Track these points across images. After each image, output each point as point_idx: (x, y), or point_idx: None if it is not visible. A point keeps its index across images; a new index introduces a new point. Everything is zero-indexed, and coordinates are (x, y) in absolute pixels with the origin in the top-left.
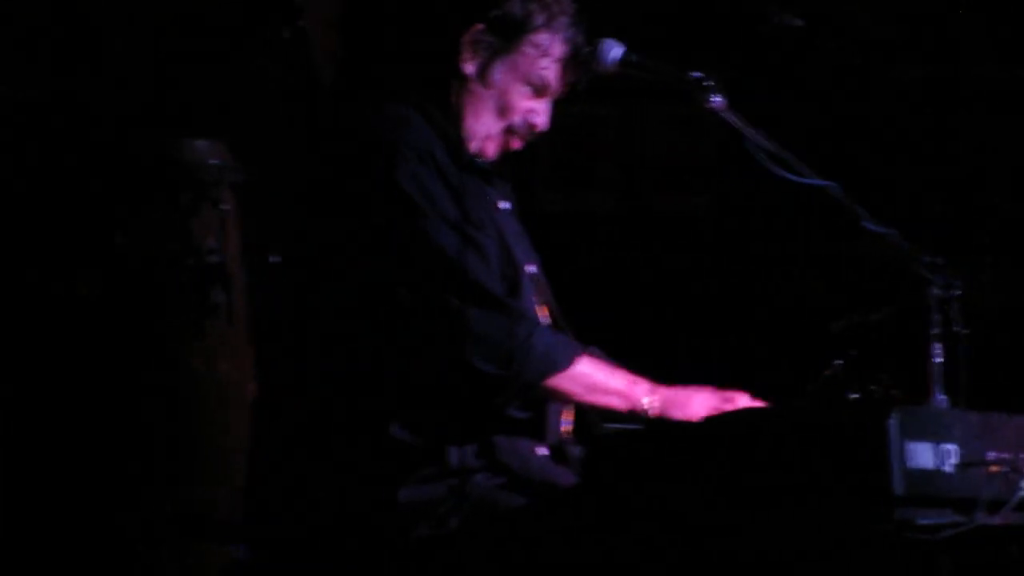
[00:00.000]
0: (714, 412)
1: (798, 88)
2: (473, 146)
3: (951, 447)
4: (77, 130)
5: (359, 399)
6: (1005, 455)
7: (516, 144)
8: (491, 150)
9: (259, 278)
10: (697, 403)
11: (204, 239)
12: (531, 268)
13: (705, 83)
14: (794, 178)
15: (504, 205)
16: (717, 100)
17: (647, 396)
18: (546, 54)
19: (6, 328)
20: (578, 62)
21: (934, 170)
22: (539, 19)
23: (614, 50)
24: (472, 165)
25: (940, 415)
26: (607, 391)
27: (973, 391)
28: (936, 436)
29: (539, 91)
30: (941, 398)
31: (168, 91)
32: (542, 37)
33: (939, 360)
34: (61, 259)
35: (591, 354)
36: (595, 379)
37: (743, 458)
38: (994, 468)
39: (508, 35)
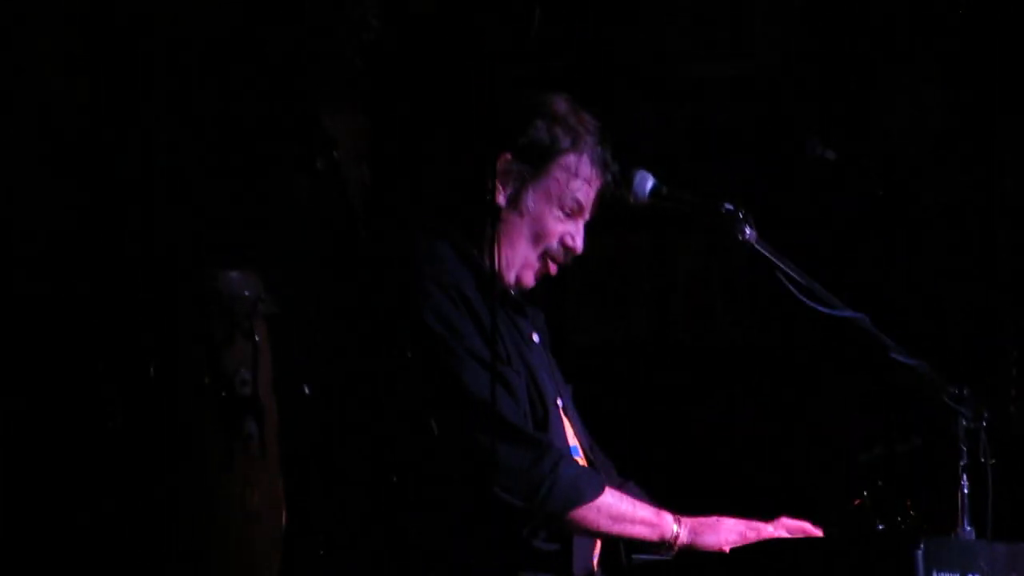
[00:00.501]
0: (742, 541)
1: (828, 219)
2: (510, 276)
3: None
4: (110, 260)
5: (388, 529)
6: None
7: (553, 269)
8: (529, 278)
9: (291, 409)
10: (725, 531)
11: (236, 370)
12: (560, 401)
13: (737, 214)
14: (824, 309)
15: (536, 338)
16: (748, 232)
17: (675, 525)
18: (576, 175)
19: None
20: (608, 180)
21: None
22: (565, 142)
23: (646, 181)
24: (505, 297)
25: (967, 546)
26: (634, 520)
27: (1000, 522)
28: (963, 567)
29: (573, 213)
30: (968, 529)
31: (201, 221)
32: (570, 159)
33: (966, 491)
34: (93, 390)
35: (626, 489)
36: (621, 509)
37: None
38: None
39: (536, 161)
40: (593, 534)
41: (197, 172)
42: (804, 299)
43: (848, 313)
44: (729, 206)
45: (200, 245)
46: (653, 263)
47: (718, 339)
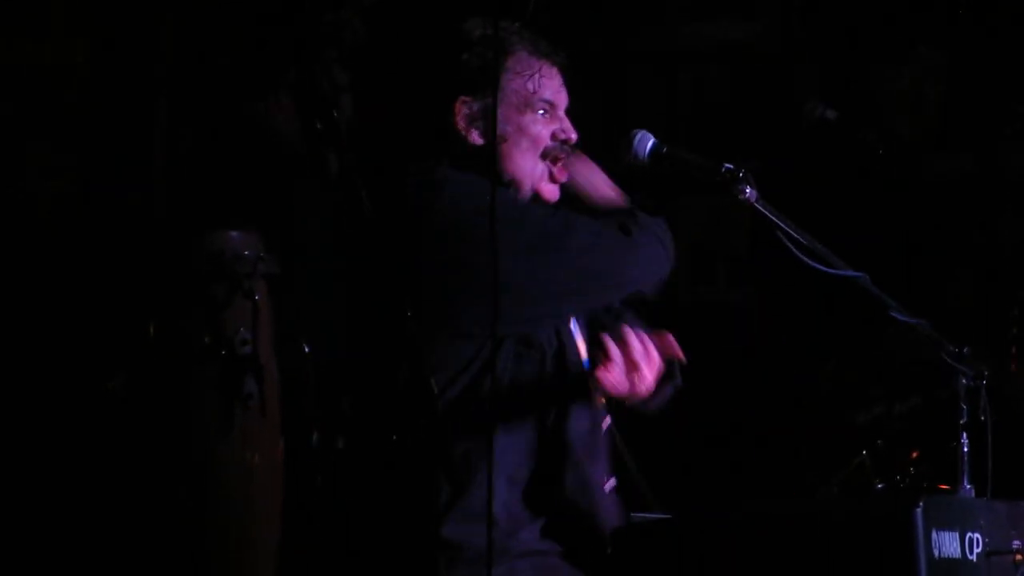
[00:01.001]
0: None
1: (830, 178)
2: (527, 195)
3: (977, 536)
4: (110, 221)
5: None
6: None
7: (562, 174)
8: (547, 190)
9: (292, 369)
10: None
11: (236, 330)
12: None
13: (738, 174)
14: (825, 269)
15: None
16: (749, 191)
17: None
18: (522, 74)
19: (34, 418)
20: (555, 57)
21: (964, 261)
22: (496, 52)
23: (646, 141)
24: None
25: (967, 504)
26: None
27: (999, 481)
28: (963, 525)
29: (547, 109)
30: (968, 487)
31: (200, 181)
32: (509, 65)
33: (966, 450)
34: (93, 351)
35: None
36: None
37: (769, 548)
38: (1020, 557)
39: (484, 87)
40: None
41: (197, 133)
42: (804, 258)
43: (848, 272)
44: (729, 165)
45: (200, 204)
46: None
47: (718, 300)
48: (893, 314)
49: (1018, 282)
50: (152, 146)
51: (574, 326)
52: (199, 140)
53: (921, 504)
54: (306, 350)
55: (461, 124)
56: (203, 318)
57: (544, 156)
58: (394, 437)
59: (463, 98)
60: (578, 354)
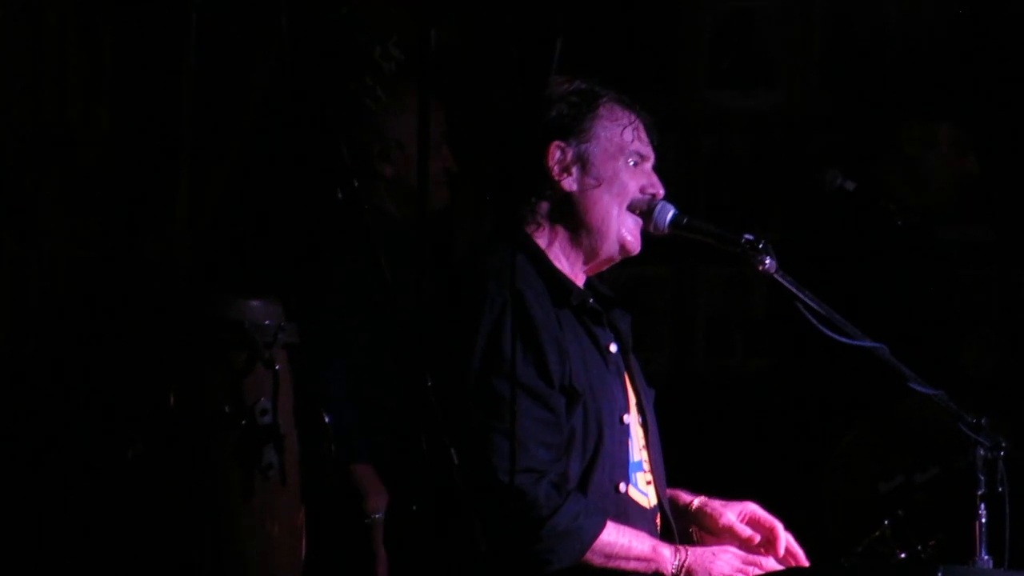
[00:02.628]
0: (739, 574)
1: (849, 250)
2: (612, 249)
3: None
4: (131, 287)
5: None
6: None
7: (645, 227)
8: (631, 242)
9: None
10: (722, 563)
11: (257, 399)
12: (628, 416)
13: (757, 245)
14: (844, 339)
15: (614, 348)
16: (769, 262)
17: (672, 559)
18: (616, 121)
19: (57, 486)
20: (641, 113)
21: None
22: (587, 103)
23: (667, 211)
24: (582, 306)
25: (984, 575)
26: (628, 557)
27: (1017, 552)
28: None
29: (637, 161)
30: (986, 558)
31: (223, 250)
32: (601, 112)
33: (984, 520)
34: (114, 419)
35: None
36: (615, 548)
37: None
38: None
39: (578, 132)
40: (588, 570)
41: (221, 201)
42: (824, 329)
43: (867, 343)
44: (749, 236)
45: (222, 273)
46: (674, 295)
47: (737, 371)
48: (911, 385)
49: None
50: (174, 213)
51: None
52: (222, 208)
53: (940, 574)
54: (326, 420)
55: (555, 169)
56: (223, 387)
57: (631, 208)
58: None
59: (558, 143)
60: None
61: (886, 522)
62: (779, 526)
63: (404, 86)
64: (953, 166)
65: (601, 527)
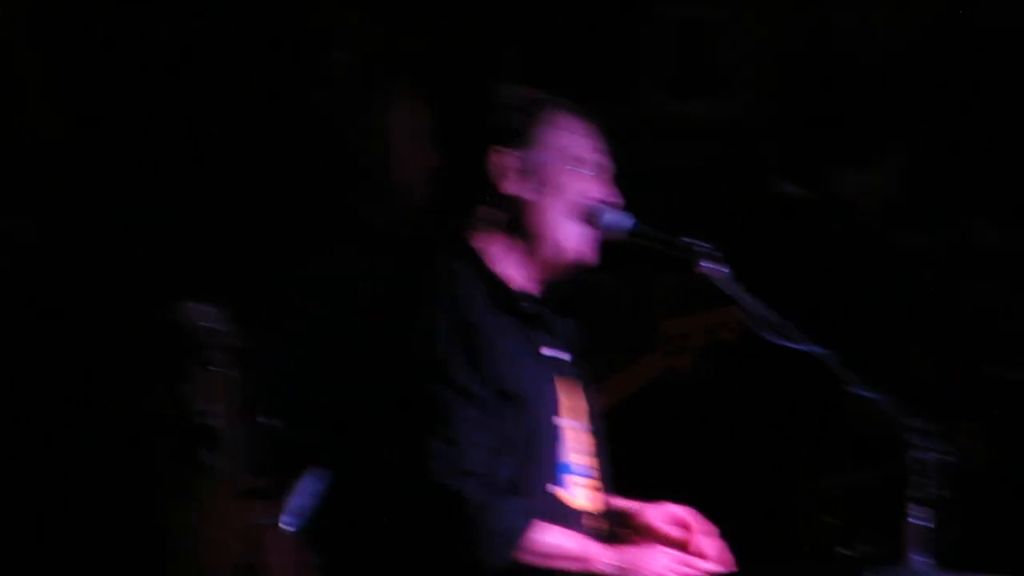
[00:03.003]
0: (670, 573)
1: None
2: (567, 256)
3: None
4: (73, 290)
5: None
6: None
7: (597, 234)
8: (587, 251)
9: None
10: (655, 563)
11: (195, 400)
12: (564, 418)
13: (705, 251)
14: (788, 344)
15: (549, 352)
16: (717, 269)
17: (604, 558)
18: (565, 128)
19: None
20: (586, 118)
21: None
22: (535, 110)
23: (618, 218)
24: (518, 310)
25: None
26: (561, 556)
27: (953, 553)
28: None
29: (584, 165)
30: (919, 559)
31: (163, 253)
32: (547, 119)
33: (917, 522)
34: (52, 420)
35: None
36: (546, 547)
37: None
38: None
39: (527, 139)
40: (524, 570)
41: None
42: (770, 335)
43: (813, 348)
44: (699, 243)
45: (163, 276)
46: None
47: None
48: (852, 389)
49: (977, 355)
50: (119, 218)
51: None
52: (165, 213)
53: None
54: (263, 422)
55: (499, 176)
56: (163, 389)
57: (580, 215)
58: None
59: (502, 150)
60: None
61: (828, 521)
62: (697, 528)
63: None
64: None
65: (534, 526)
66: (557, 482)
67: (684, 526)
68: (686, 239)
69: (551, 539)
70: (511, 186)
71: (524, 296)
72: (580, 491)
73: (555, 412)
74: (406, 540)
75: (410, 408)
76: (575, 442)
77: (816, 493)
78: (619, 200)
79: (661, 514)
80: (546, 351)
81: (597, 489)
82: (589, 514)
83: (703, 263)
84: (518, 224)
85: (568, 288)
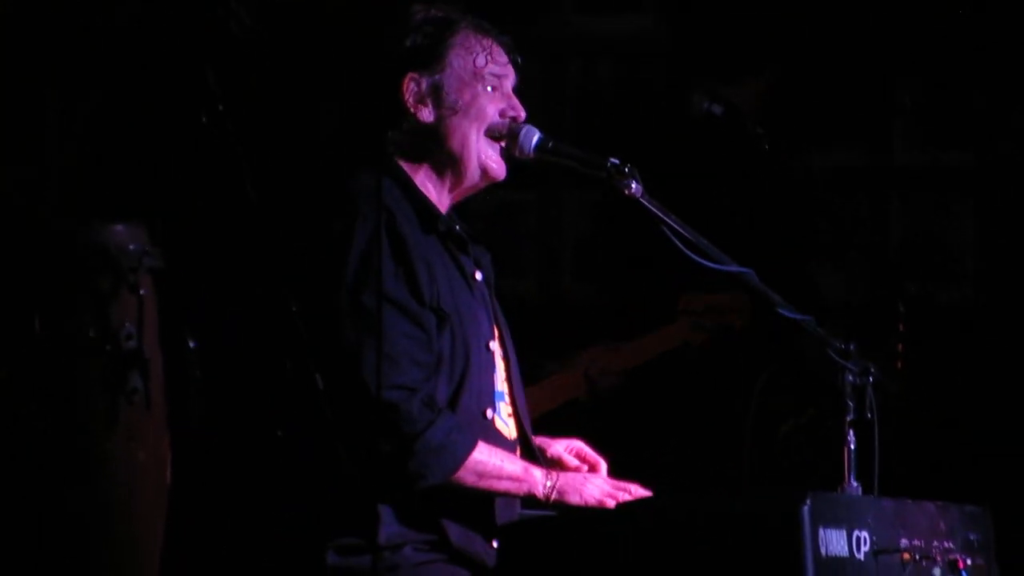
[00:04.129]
0: (608, 498)
1: (716, 173)
2: (475, 175)
3: (864, 534)
4: None
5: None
6: (918, 542)
7: (508, 151)
8: (495, 168)
9: (177, 364)
10: (592, 487)
11: (122, 324)
12: (494, 344)
13: (623, 169)
14: (711, 264)
15: (479, 276)
16: (635, 186)
17: (543, 480)
18: (471, 50)
19: None
20: (500, 36)
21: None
22: (441, 32)
23: (532, 135)
24: (447, 233)
25: (853, 502)
26: (500, 476)
27: (885, 477)
28: (849, 522)
29: (495, 85)
30: (855, 485)
31: (87, 174)
32: (456, 40)
33: (853, 447)
34: None
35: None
36: (488, 466)
37: (655, 546)
38: (907, 555)
39: (432, 62)
40: (459, 490)
41: (85, 126)
42: (691, 254)
43: (735, 268)
44: (615, 160)
45: (86, 197)
46: (540, 220)
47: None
48: (780, 311)
49: (905, 276)
50: (40, 139)
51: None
52: (88, 134)
53: (808, 501)
54: (191, 344)
55: (410, 101)
56: (88, 312)
57: (488, 133)
58: (279, 433)
59: (411, 75)
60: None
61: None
62: (603, 464)
63: None
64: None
65: (474, 444)
66: (493, 408)
67: (586, 460)
68: (599, 156)
69: (492, 459)
70: (424, 111)
71: (449, 219)
72: (510, 420)
73: (489, 336)
74: (344, 459)
75: (347, 323)
76: (501, 370)
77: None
78: (532, 118)
79: (566, 447)
80: (478, 275)
81: (515, 415)
82: (520, 441)
83: (626, 182)
84: (431, 147)
85: (481, 209)
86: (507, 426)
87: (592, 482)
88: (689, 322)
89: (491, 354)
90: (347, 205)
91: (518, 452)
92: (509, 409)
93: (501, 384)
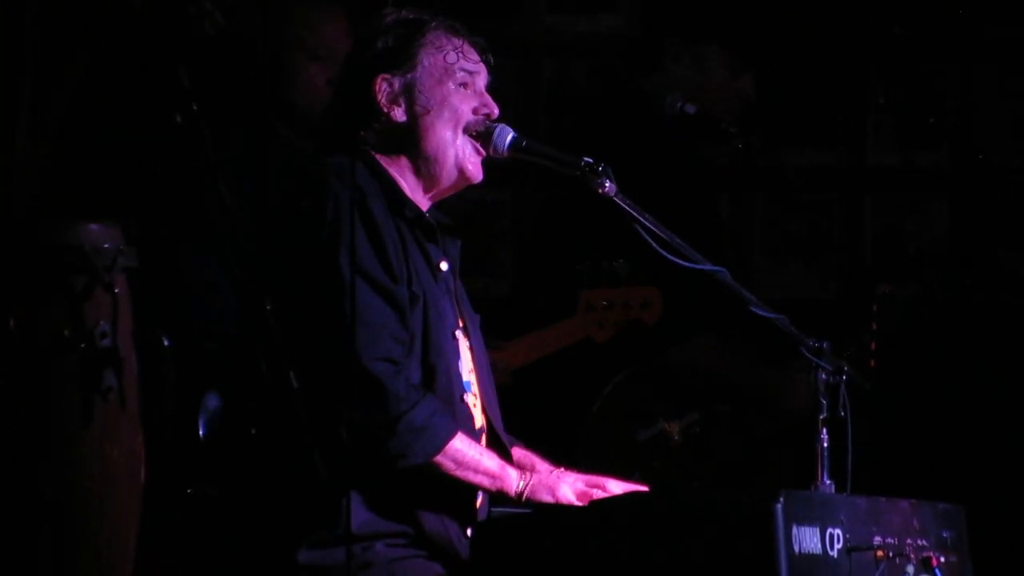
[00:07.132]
0: (582, 497)
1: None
2: (451, 175)
3: (838, 532)
4: None
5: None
6: (891, 540)
7: (484, 151)
8: (471, 168)
9: (151, 362)
10: (564, 487)
11: (96, 323)
12: (459, 333)
13: (596, 168)
14: (684, 263)
15: (444, 266)
16: (608, 185)
17: (517, 480)
18: (442, 49)
19: None
20: (471, 37)
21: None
22: (413, 33)
23: (505, 135)
24: (417, 221)
25: (827, 500)
26: (476, 470)
27: (859, 475)
28: (823, 520)
29: (467, 83)
30: (828, 483)
31: (62, 173)
32: (427, 40)
33: (826, 445)
34: None
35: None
36: (466, 457)
37: (628, 543)
38: (880, 553)
39: (404, 63)
40: (436, 475)
41: (60, 125)
42: (664, 252)
43: (708, 267)
44: (588, 159)
45: (61, 197)
46: (514, 220)
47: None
48: (752, 309)
49: (878, 275)
50: (13, 136)
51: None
52: (62, 131)
53: (781, 499)
54: (165, 343)
55: (383, 101)
56: (62, 311)
57: (466, 131)
58: (252, 431)
59: (383, 75)
60: (459, 373)
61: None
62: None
63: None
64: (725, 89)
65: (455, 430)
66: (462, 394)
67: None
68: (573, 155)
69: (471, 451)
70: (397, 111)
71: (418, 207)
72: (475, 410)
73: (455, 326)
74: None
75: (327, 297)
76: (467, 360)
77: (637, 440)
78: (506, 117)
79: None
80: (444, 265)
81: (481, 406)
82: (488, 432)
83: (600, 181)
84: (407, 146)
85: (455, 208)
86: (472, 417)
87: (565, 480)
88: (590, 318)
89: (456, 342)
90: (318, 183)
91: (483, 441)
92: (475, 400)
93: (468, 374)
